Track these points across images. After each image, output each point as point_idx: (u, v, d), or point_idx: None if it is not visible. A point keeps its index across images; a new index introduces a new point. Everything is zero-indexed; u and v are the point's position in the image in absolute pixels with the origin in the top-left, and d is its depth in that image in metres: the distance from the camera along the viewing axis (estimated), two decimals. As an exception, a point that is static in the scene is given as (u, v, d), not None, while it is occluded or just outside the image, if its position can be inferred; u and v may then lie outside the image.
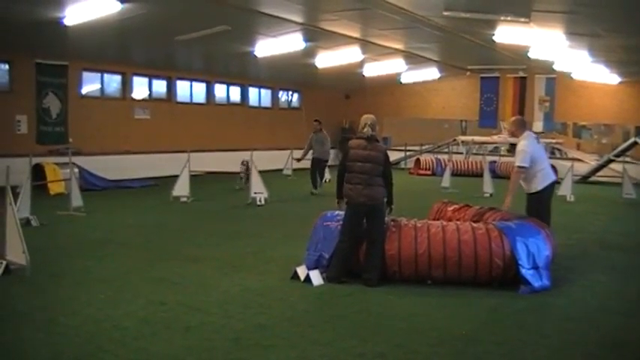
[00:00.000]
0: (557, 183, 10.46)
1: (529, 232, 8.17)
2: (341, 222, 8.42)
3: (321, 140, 18.97)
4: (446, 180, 20.51)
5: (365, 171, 8.29)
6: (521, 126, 9.65)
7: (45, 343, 5.82)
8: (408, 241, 8.14)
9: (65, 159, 15.17)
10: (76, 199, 13.89)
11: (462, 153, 28.69)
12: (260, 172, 16.25)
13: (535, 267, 7.95)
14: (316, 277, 8.14)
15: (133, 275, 8.55)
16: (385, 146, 8.84)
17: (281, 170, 24.40)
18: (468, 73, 27.47)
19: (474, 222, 8.83)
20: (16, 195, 9.76)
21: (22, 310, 6.83)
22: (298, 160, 19.83)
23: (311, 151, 19.15)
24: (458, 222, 8.76)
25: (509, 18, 14.37)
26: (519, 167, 9.20)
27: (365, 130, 8.50)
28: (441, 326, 6.57)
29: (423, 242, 8.07)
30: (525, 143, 9.26)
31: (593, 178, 24.65)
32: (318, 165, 19.12)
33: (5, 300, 7.25)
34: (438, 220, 9.41)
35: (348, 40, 19.47)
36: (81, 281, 8.17)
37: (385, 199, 8.36)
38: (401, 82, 29.76)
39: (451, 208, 10.27)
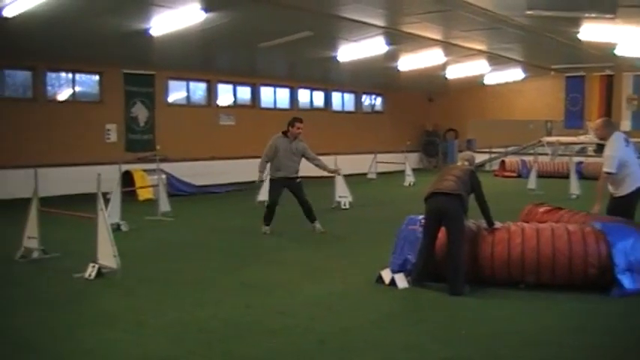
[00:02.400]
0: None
1: (624, 234, 7.89)
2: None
3: (298, 151, 12.29)
4: (532, 181, 20.17)
5: (450, 173, 8.31)
6: (609, 127, 9.29)
7: (134, 345, 5.95)
8: (502, 245, 7.99)
9: (153, 165, 15.51)
10: (164, 205, 14.21)
11: (547, 154, 28.08)
12: (344, 176, 16.26)
13: (630, 269, 7.67)
14: (401, 281, 8.06)
15: (218, 279, 8.67)
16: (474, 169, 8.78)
17: (365, 174, 24.39)
18: (553, 72, 26.89)
19: (567, 224, 8.60)
20: (106, 201, 10.02)
21: (113, 312, 7.01)
22: (259, 181, 13.09)
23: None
24: (553, 224, 8.49)
25: (594, 15, 14.00)
26: (607, 173, 8.94)
27: (459, 163, 8.95)
28: (527, 330, 6.41)
29: (516, 247, 7.91)
30: (614, 147, 8.96)
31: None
32: (284, 186, 12.34)
33: (97, 302, 7.46)
34: (528, 222, 9.23)
35: (430, 42, 19.33)
36: (168, 284, 8.34)
37: (461, 206, 8.14)
38: (483, 84, 29.38)
39: (542, 210, 10.05)
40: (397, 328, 6.52)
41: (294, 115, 12.89)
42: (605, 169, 8.94)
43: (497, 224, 8.30)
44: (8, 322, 6.67)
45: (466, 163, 8.79)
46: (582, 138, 27.96)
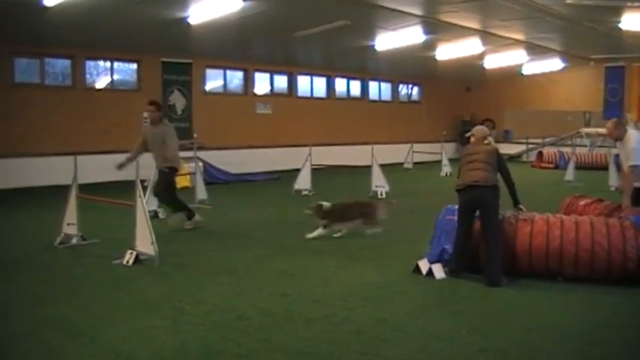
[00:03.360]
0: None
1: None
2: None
3: (160, 137, 11.02)
4: (569, 173, 19.98)
5: (479, 159, 8.20)
6: (622, 126, 9.44)
7: (172, 331, 5.99)
8: (540, 237, 7.89)
9: (190, 154, 15.59)
10: (201, 193, 14.30)
11: (585, 145, 27.73)
12: (381, 165, 16.20)
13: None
14: (438, 271, 8.01)
15: (255, 267, 8.69)
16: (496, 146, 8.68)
17: (401, 164, 24.31)
18: (592, 62, 26.50)
19: (607, 216, 8.49)
20: (144, 188, 10.09)
21: (151, 299, 7.07)
22: (119, 168, 11.01)
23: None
24: (592, 217, 8.38)
25: (637, 4, 13.78)
26: (632, 166, 8.94)
27: (486, 141, 8.77)
28: (565, 324, 6.33)
29: (554, 239, 7.81)
30: (636, 141, 9.03)
31: None
32: (165, 180, 11.32)
33: (135, 288, 7.52)
34: (568, 214, 9.12)
35: (468, 31, 19.19)
36: (206, 272, 8.38)
37: (496, 196, 8.06)
38: (522, 74, 29.07)
39: (583, 202, 9.94)
40: (434, 318, 6.48)
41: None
42: (630, 163, 9.01)
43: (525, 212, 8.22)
44: (49, 308, 6.75)
45: (487, 140, 8.67)
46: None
